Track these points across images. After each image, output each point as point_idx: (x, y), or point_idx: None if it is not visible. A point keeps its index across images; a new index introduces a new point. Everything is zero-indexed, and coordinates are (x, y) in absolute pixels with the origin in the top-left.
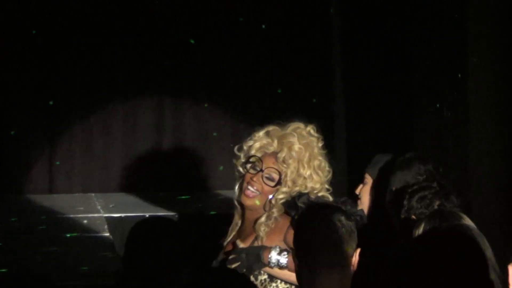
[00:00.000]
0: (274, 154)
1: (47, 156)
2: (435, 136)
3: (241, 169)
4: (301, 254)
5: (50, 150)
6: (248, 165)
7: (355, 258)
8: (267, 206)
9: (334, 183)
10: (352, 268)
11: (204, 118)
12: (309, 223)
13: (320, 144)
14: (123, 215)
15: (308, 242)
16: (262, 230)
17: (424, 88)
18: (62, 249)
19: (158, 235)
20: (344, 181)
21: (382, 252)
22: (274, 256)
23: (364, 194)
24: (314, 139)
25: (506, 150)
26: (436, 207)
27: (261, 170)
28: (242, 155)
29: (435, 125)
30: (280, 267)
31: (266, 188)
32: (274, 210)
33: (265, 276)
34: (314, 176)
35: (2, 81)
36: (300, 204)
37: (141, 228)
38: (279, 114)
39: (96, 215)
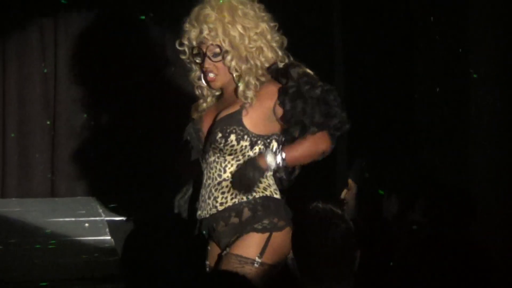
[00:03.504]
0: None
1: (49, 160)
2: (436, 136)
3: (193, 60)
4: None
5: (52, 153)
6: (196, 58)
7: (357, 259)
8: (235, 78)
9: (336, 185)
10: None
11: None
12: (311, 242)
13: (246, 7)
14: (124, 218)
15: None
16: (250, 95)
17: (425, 88)
18: (63, 252)
19: (159, 237)
20: (345, 183)
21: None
22: (270, 159)
23: (350, 198)
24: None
25: (507, 149)
26: None
27: (205, 54)
28: (186, 49)
29: (436, 125)
30: (283, 166)
31: (219, 64)
32: (245, 77)
33: (247, 143)
34: (251, 33)
35: (2, 82)
36: (293, 74)
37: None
38: None
39: (97, 218)
